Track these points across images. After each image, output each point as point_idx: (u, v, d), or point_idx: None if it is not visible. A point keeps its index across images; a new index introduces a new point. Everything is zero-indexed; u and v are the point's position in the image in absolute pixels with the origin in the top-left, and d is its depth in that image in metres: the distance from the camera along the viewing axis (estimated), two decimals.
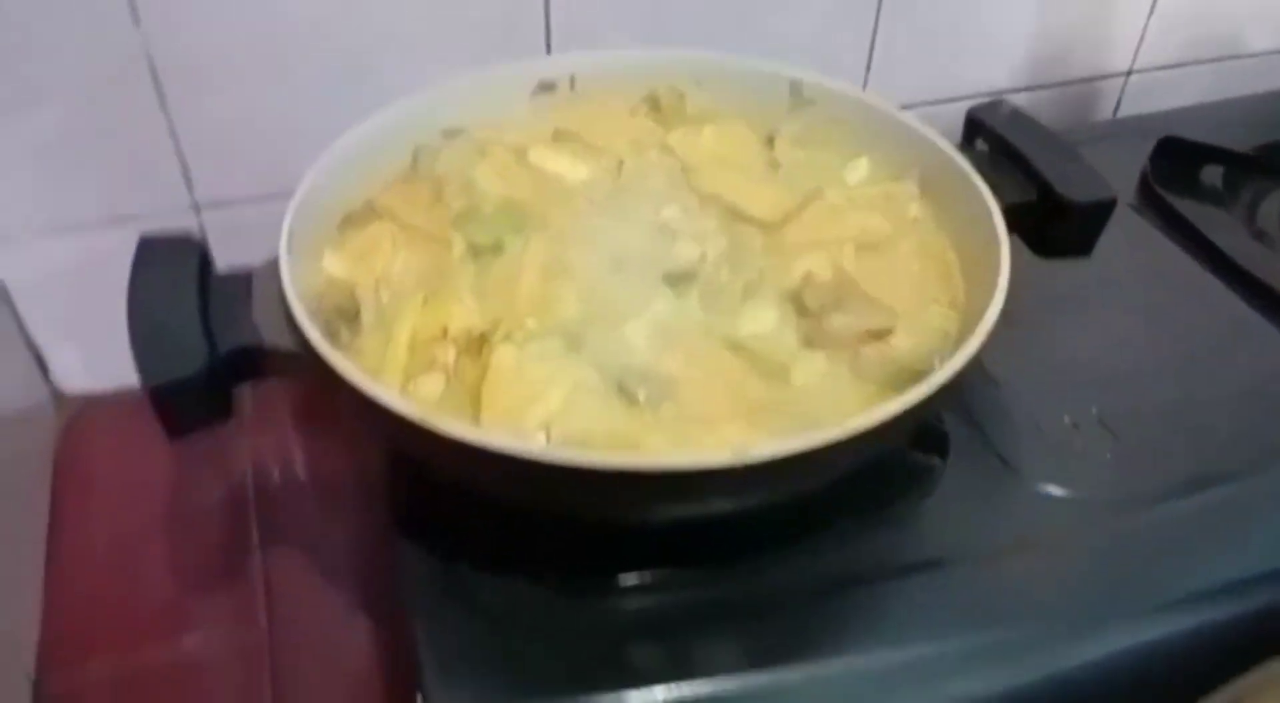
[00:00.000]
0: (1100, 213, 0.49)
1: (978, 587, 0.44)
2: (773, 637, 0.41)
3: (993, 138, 0.53)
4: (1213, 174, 0.69)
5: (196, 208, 0.63)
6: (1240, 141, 0.71)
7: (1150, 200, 0.68)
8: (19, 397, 0.64)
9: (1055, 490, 0.47)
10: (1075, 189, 0.49)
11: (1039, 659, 0.42)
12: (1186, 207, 0.66)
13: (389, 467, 0.49)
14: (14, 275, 0.62)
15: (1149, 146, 0.70)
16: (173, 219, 0.63)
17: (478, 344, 0.44)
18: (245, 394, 0.70)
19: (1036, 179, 0.50)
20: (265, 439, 0.68)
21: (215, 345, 0.41)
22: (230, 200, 0.64)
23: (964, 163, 0.50)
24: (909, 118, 0.53)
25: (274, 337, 0.42)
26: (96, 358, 0.68)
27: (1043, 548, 0.45)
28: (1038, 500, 0.47)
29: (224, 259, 0.63)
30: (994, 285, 0.44)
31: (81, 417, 0.68)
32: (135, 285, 0.42)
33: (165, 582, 0.59)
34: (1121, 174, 0.68)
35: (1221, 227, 0.65)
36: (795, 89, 0.56)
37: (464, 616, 0.42)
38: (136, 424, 0.68)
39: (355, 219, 0.50)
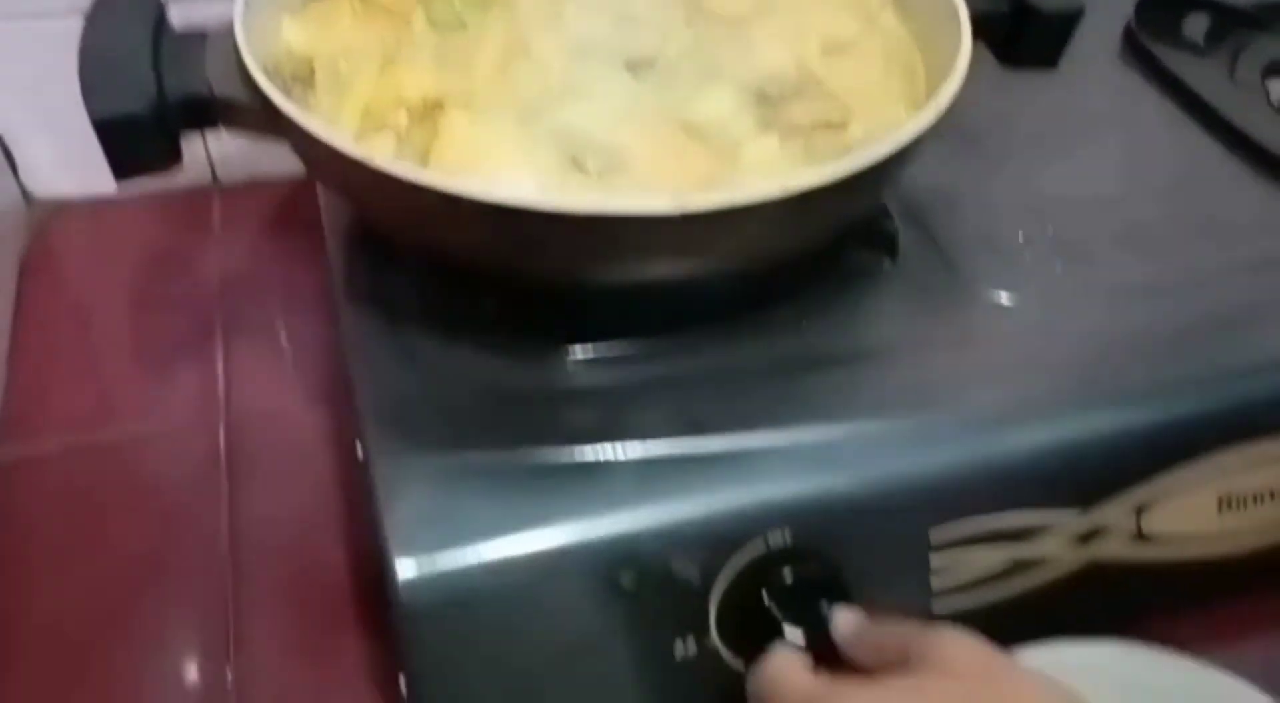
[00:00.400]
0: (1067, 22, 0.49)
1: (914, 376, 0.45)
2: (712, 408, 0.42)
3: None
4: (1197, 25, 0.69)
5: None
6: None
7: (1134, 49, 0.67)
8: None
9: (1000, 298, 0.48)
10: None
11: (968, 446, 0.43)
12: (1168, 55, 0.65)
13: (340, 241, 0.49)
14: None
15: None
16: None
17: (431, 110, 0.43)
18: (214, 206, 0.70)
19: None
20: (233, 248, 0.68)
21: (164, 89, 0.41)
22: None
23: None
24: None
25: (224, 84, 0.42)
26: (66, 157, 0.67)
27: (981, 346, 0.46)
28: (982, 305, 0.48)
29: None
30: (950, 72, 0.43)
31: (51, 221, 0.68)
32: (89, 28, 0.42)
33: (127, 368, 0.60)
34: (1105, 30, 0.67)
35: (1201, 74, 0.64)
36: None
37: (406, 371, 0.42)
38: (106, 231, 0.69)
39: None
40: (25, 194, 0.68)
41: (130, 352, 0.61)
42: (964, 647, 0.33)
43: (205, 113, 0.42)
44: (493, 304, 0.44)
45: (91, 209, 0.69)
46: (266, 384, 0.59)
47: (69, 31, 0.61)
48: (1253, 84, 0.65)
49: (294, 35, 0.47)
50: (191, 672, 0.47)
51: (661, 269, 0.40)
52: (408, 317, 0.45)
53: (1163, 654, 0.42)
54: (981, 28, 0.47)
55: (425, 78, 0.45)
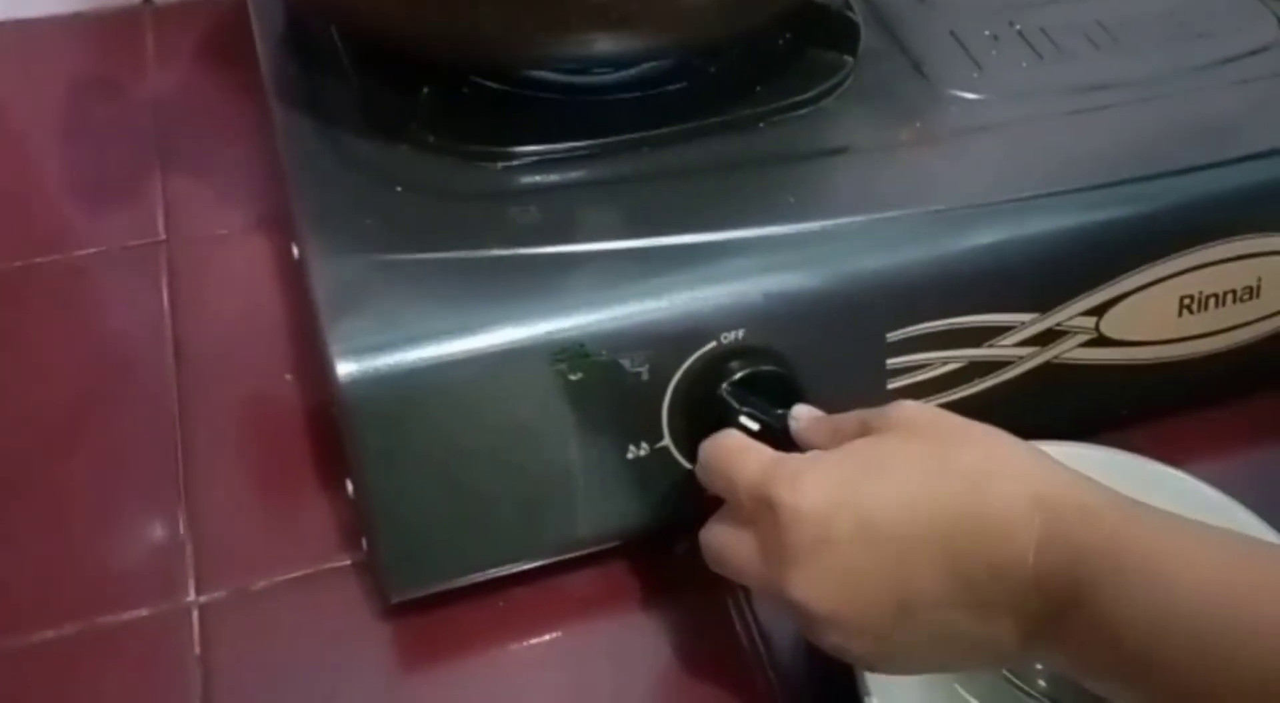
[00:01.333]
0: None
1: (875, 175, 0.43)
2: (664, 207, 0.41)
3: None
4: None
5: None
6: None
7: None
8: None
9: (964, 93, 0.46)
10: None
11: (928, 245, 0.41)
12: None
13: (272, 46, 0.46)
14: None
15: None
16: None
17: None
18: (146, 29, 0.67)
19: None
20: (167, 73, 0.65)
21: None
22: None
23: None
24: None
25: None
26: None
27: (943, 145, 0.45)
28: (946, 101, 0.46)
29: None
30: None
31: None
32: None
33: (63, 196, 0.58)
34: None
35: None
36: None
37: (343, 175, 0.41)
38: (34, 53, 0.66)
39: None
40: None
41: (65, 180, 0.59)
42: (922, 410, 0.33)
43: None
44: (432, 102, 0.42)
45: (18, 30, 0.66)
46: (205, 211, 0.57)
47: None
48: None
49: None
50: (141, 516, 0.44)
51: (601, 42, 0.37)
52: (343, 120, 0.43)
53: (1139, 458, 0.42)
54: None
55: None
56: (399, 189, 0.40)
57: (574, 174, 0.42)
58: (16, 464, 0.45)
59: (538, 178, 0.42)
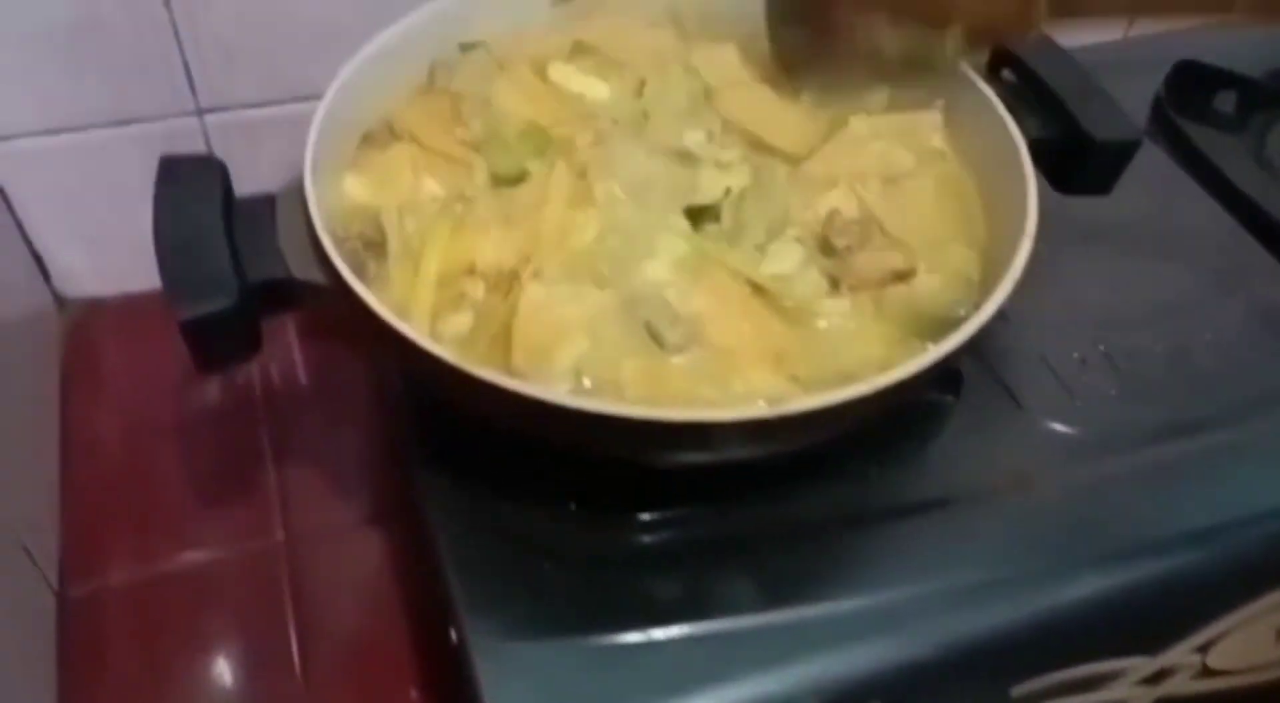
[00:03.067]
0: (1124, 152, 0.49)
1: (983, 526, 0.45)
2: (785, 572, 0.43)
3: (1020, 68, 0.52)
4: (1226, 99, 0.69)
5: (200, 111, 0.61)
6: (1254, 63, 0.70)
7: (1163, 126, 0.67)
8: (20, 301, 0.63)
9: (1061, 427, 0.49)
10: (1100, 127, 0.49)
11: (1044, 601, 0.43)
12: (1199, 133, 0.66)
13: (407, 395, 0.49)
14: (12, 178, 0.61)
15: (1162, 69, 0.69)
16: (176, 122, 0.61)
17: (506, 281, 0.43)
18: None
19: (1061, 114, 0.50)
20: (270, 347, 0.67)
21: (245, 277, 0.40)
22: (233, 104, 0.62)
23: (991, 95, 0.49)
24: None
25: (302, 268, 0.41)
26: (98, 262, 0.67)
27: (1046, 487, 0.47)
28: (1043, 437, 0.48)
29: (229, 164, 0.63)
30: (1019, 230, 0.44)
31: (85, 321, 0.67)
32: (160, 210, 0.41)
33: (179, 491, 0.60)
34: (1134, 97, 0.67)
35: (1232, 156, 0.65)
36: None
37: (492, 544, 0.43)
38: (140, 328, 0.69)
39: (374, 139, 0.49)
40: (58, 299, 0.68)
41: (183, 476, 0.60)
42: None
43: (285, 297, 0.42)
44: (568, 471, 0.44)
45: (126, 307, 0.68)
46: (320, 502, 0.59)
47: (104, 144, 0.61)
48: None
49: (357, 191, 0.47)
50: None
51: (745, 454, 0.40)
52: (484, 480, 0.45)
53: None
54: (1034, 154, 0.48)
55: (495, 244, 0.44)
56: (540, 556, 0.43)
57: (696, 532, 0.44)
58: None
59: (664, 538, 0.44)
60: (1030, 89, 0.51)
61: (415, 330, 0.39)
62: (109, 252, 0.66)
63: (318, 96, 0.46)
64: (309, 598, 0.55)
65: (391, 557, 0.56)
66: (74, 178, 0.62)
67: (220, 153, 0.61)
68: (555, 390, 0.37)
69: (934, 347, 0.39)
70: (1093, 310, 0.54)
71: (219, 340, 0.40)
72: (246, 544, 0.57)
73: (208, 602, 0.55)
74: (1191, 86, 0.69)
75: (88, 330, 0.67)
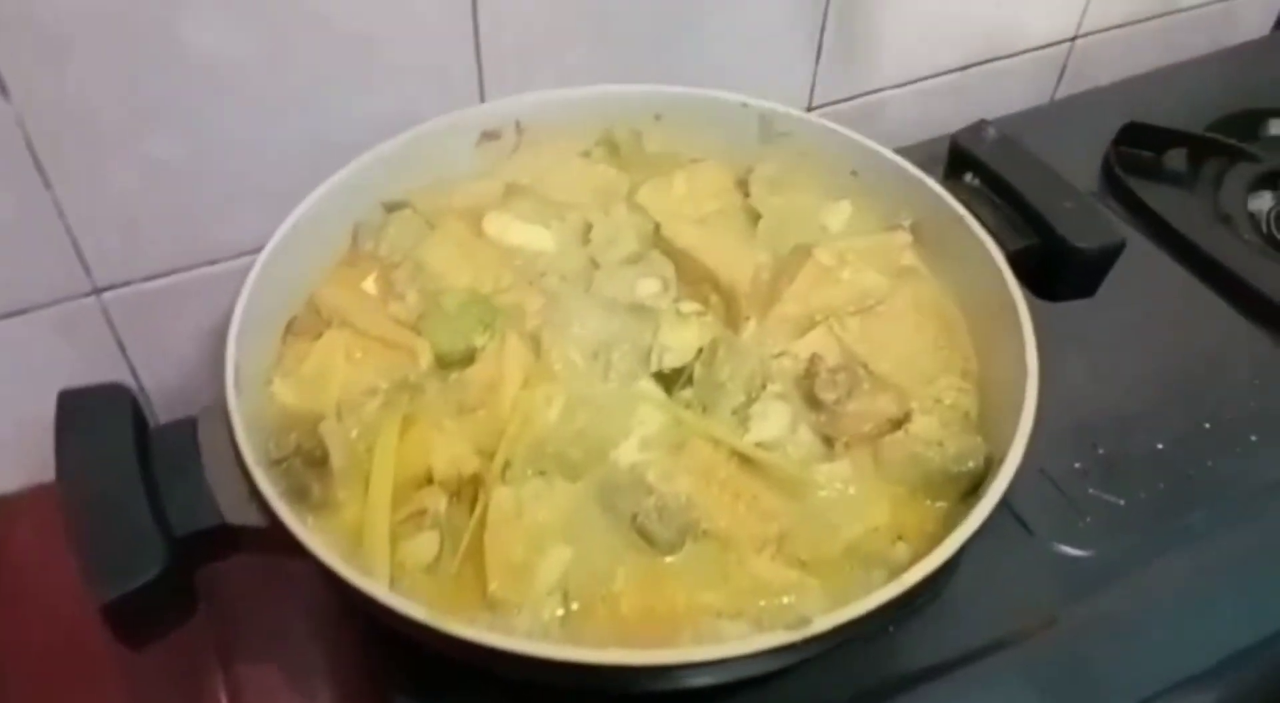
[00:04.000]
0: (1107, 257, 0.47)
1: (1009, 677, 0.42)
2: None
3: (982, 171, 0.49)
4: (1176, 156, 0.67)
5: (97, 291, 0.56)
6: (1194, 118, 0.69)
7: (1114, 188, 0.66)
8: None
9: (1074, 551, 0.46)
10: (1080, 234, 0.46)
11: None
12: (1150, 193, 0.64)
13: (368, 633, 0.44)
14: None
15: (1100, 124, 0.68)
16: (72, 305, 0.55)
17: (470, 486, 0.39)
18: None
19: (1038, 224, 0.47)
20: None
21: (171, 532, 0.35)
22: (135, 278, 0.56)
23: (964, 213, 0.46)
24: (893, 155, 0.49)
25: (235, 508, 0.36)
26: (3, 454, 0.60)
27: (1068, 620, 0.44)
28: (1058, 564, 0.46)
29: (134, 345, 0.57)
30: (1018, 366, 0.41)
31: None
32: (64, 462, 0.36)
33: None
34: (1075, 160, 0.65)
35: (1189, 214, 0.63)
36: (765, 122, 0.52)
37: None
38: (59, 521, 0.62)
39: (300, 326, 0.45)
40: None
41: (122, 687, 0.54)
42: None
43: (221, 544, 0.36)
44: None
45: (40, 496, 0.62)
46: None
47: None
48: (1235, 218, 0.63)
49: (288, 395, 0.42)
50: None
51: (761, 669, 0.36)
52: None
53: None
54: (1013, 265, 0.45)
55: (451, 440, 0.40)
56: None
57: None
58: None
59: None
60: (998, 194, 0.48)
61: (376, 572, 0.35)
62: (10, 445, 0.59)
63: (228, 257, 0.41)
64: None
65: None
66: None
67: (123, 332, 0.57)
68: (547, 646, 0.32)
69: (946, 503, 0.36)
70: (1083, 412, 0.51)
71: (147, 613, 0.34)
72: None
73: None
74: (1142, 146, 0.67)
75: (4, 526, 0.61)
